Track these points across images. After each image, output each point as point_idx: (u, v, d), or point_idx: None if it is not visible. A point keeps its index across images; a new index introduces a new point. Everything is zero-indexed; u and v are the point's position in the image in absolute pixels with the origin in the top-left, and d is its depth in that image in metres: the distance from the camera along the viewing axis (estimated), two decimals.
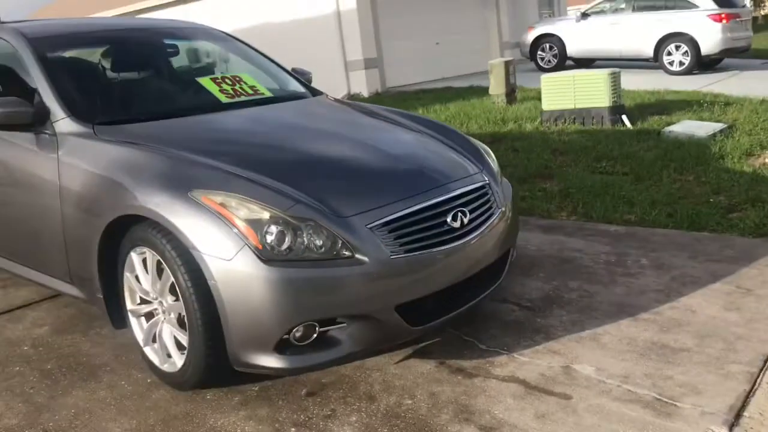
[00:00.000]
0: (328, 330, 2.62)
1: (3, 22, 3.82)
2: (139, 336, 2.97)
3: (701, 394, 2.69)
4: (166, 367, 2.85)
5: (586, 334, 3.23)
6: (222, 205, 2.56)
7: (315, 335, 2.59)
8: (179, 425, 2.64)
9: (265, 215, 2.53)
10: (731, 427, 2.47)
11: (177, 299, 2.73)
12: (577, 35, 13.93)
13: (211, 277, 2.51)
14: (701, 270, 3.89)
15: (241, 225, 2.51)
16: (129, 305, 2.97)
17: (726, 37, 12.45)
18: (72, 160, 3.05)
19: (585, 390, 2.77)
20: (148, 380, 2.96)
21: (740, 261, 3.99)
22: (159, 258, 2.69)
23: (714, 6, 12.56)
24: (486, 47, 16.93)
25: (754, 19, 23.62)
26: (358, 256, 2.57)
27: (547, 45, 14.46)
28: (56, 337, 3.43)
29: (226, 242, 2.50)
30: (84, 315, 3.67)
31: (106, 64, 3.89)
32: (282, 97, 3.94)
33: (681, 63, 12.77)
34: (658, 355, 3.01)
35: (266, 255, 2.49)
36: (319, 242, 2.55)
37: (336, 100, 4.26)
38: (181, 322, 2.76)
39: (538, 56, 14.64)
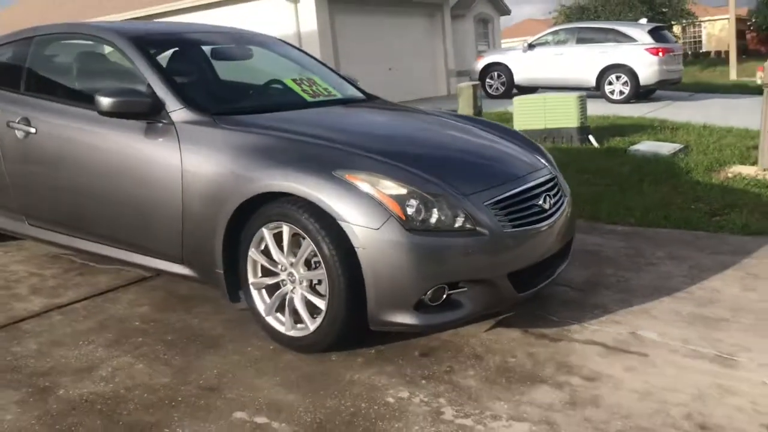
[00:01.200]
0: (452, 293, 2.98)
1: (94, 23, 4.05)
2: (260, 306, 3.24)
3: (752, 351, 3.18)
4: (293, 333, 3.14)
5: (636, 309, 3.69)
6: (366, 182, 2.90)
7: (444, 297, 2.96)
8: (321, 380, 2.94)
9: (404, 191, 2.89)
10: None
11: (310, 268, 3.04)
12: (524, 64, 14.78)
13: (360, 244, 2.84)
14: (711, 261, 4.44)
15: (386, 199, 2.86)
16: (251, 278, 3.24)
17: (662, 69, 13.51)
18: (195, 146, 3.31)
19: (656, 350, 3.21)
20: (271, 347, 3.24)
21: (739, 253, 4.57)
22: (297, 231, 2.99)
23: (651, 41, 13.62)
24: (433, 74, 17.66)
25: None
26: (479, 228, 2.96)
27: (496, 73, 15.25)
28: (160, 315, 3.64)
29: (373, 214, 2.84)
30: (174, 297, 3.89)
31: (201, 62, 4.15)
32: (350, 98, 4.30)
33: (621, 92, 13.74)
34: (703, 323, 3.49)
35: (408, 225, 2.85)
36: (447, 216, 2.92)
37: (397, 103, 4.64)
38: (312, 290, 3.06)
39: (486, 83, 15.40)
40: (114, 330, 3.45)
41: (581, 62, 14.05)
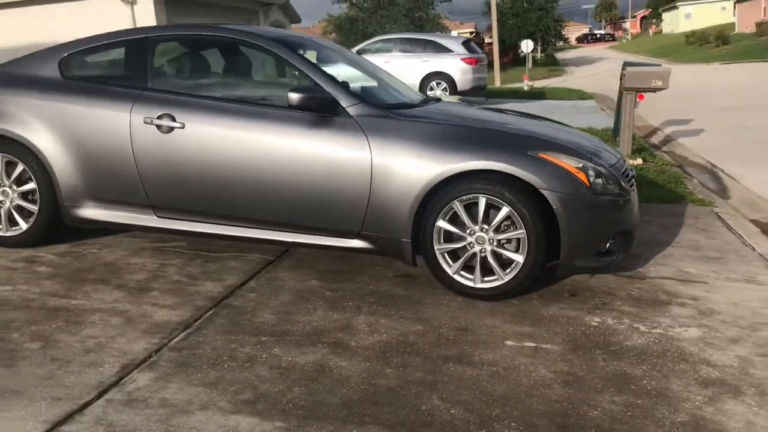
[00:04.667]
0: (610, 243, 3.91)
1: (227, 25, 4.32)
2: (447, 267, 3.89)
3: (761, 275, 4.50)
4: (482, 285, 3.83)
5: (662, 255, 4.86)
6: (555, 158, 3.73)
7: (607, 245, 3.88)
8: (528, 316, 3.69)
9: (581, 164, 3.77)
10: None
11: (499, 231, 3.78)
12: None
13: (558, 207, 3.65)
14: (664, 221, 5.81)
15: (574, 171, 3.71)
16: (436, 245, 3.88)
17: (474, 77, 15.40)
18: (382, 135, 3.84)
19: (707, 277, 4.41)
20: (459, 299, 3.89)
21: (674, 215, 6.01)
22: (495, 200, 3.71)
23: (465, 52, 15.44)
24: None
25: None
26: (623, 192, 3.93)
27: None
28: (337, 285, 4.03)
29: (568, 182, 3.67)
30: (325, 271, 4.25)
31: (333, 63, 4.57)
32: (431, 98, 4.99)
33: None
34: (711, 261, 4.75)
35: (592, 190, 3.73)
36: (609, 183, 3.84)
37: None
38: (502, 248, 3.80)
39: None
40: (317, 299, 3.83)
41: (406, 69, 15.43)
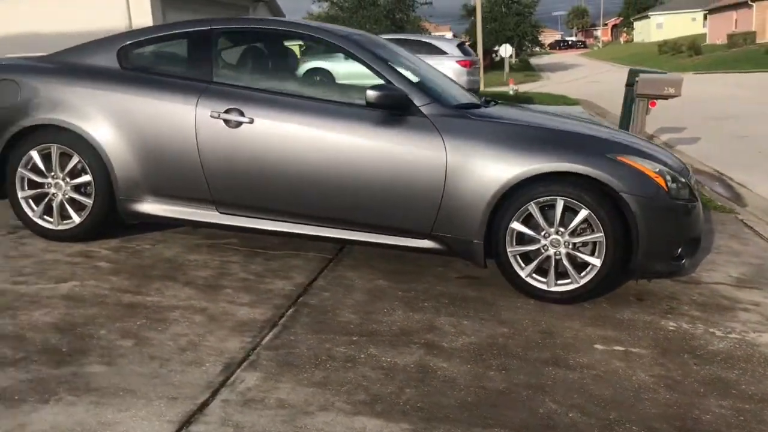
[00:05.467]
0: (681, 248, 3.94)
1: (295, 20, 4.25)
2: (520, 270, 3.88)
3: None
4: (555, 288, 3.83)
5: (707, 261, 4.92)
6: (634, 162, 3.74)
7: (680, 250, 3.91)
8: (603, 319, 3.70)
9: (658, 168, 3.79)
10: None
11: (574, 235, 3.78)
12: (348, 69, 15.78)
13: (637, 209, 3.66)
14: None
15: (653, 174, 3.73)
16: (509, 248, 3.86)
17: (469, 79, 15.42)
18: (457, 135, 3.81)
19: (759, 282, 4.46)
20: (531, 302, 3.88)
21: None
22: (573, 203, 3.71)
23: (460, 54, 15.48)
24: None
25: None
26: (693, 197, 3.96)
27: (318, 77, 16.03)
28: (406, 285, 4.00)
29: (648, 186, 3.69)
30: (389, 272, 4.20)
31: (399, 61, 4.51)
32: (490, 99, 4.97)
33: None
34: (755, 267, 4.82)
35: (669, 195, 3.75)
36: (683, 188, 3.87)
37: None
38: (576, 251, 3.80)
39: None
40: (392, 299, 3.78)
41: None
